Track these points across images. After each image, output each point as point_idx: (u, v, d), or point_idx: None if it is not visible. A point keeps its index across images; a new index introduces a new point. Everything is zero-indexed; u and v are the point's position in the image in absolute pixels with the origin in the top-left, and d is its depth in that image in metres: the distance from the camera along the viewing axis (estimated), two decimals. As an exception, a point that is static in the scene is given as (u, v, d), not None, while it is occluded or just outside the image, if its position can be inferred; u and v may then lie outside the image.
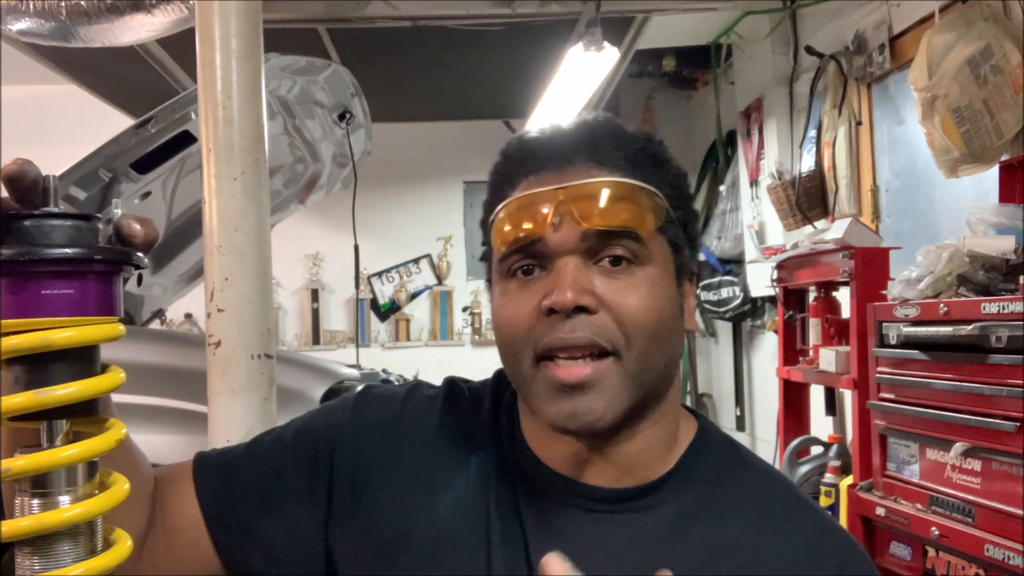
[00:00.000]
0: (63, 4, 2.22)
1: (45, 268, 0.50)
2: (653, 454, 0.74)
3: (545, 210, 0.68)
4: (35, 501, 0.51)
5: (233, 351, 1.54)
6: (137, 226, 0.54)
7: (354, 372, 2.61)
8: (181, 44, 2.71)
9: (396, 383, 2.77)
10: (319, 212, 4.64)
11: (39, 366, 0.51)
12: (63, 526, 0.51)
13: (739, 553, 0.70)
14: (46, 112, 4.90)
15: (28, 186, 0.50)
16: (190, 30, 1.66)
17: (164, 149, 2.41)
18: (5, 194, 0.51)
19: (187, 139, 2.41)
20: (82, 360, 0.53)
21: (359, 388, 0.85)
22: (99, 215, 0.53)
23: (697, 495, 0.73)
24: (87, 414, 0.54)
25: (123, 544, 0.55)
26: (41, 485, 0.51)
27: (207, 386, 1.55)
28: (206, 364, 1.56)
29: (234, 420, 1.52)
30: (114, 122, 3.42)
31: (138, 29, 2.34)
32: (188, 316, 5.15)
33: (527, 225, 0.69)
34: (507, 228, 0.70)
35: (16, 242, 0.50)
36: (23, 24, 2.29)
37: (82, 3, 2.22)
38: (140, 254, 0.54)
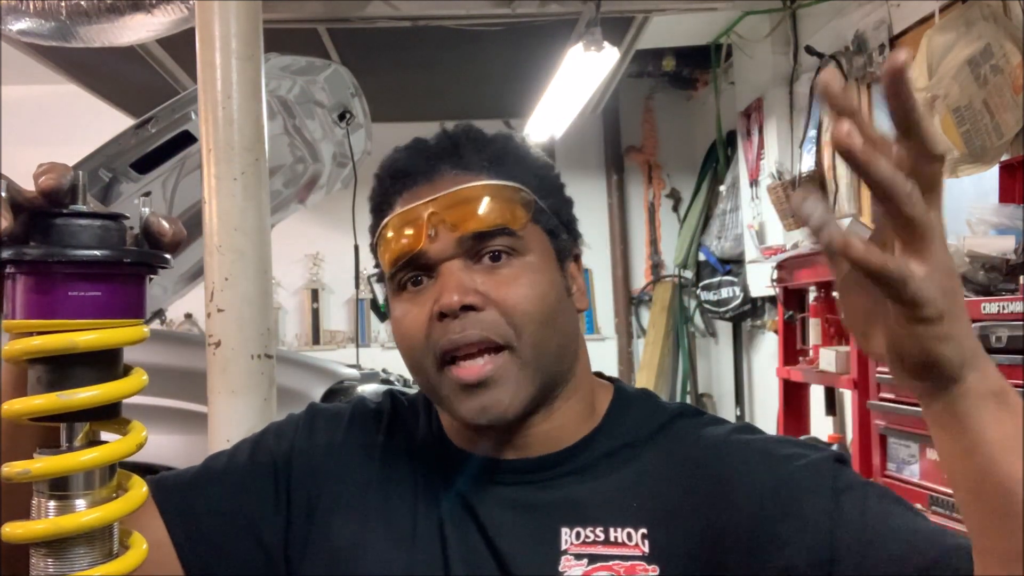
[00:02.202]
0: (63, 4, 2.22)
1: (73, 270, 0.50)
2: (571, 426, 0.77)
3: (420, 223, 0.72)
4: (52, 503, 0.51)
5: (233, 351, 1.54)
6: (166, 225, 0.54)
7: (354, 372, 2.61)
8: (181, 44, 2.71)
9: (396, 383, 2.77)
10: (319, 212, 4.63)
11: (62, 367, 0.51)
12: (80, 531, 0.50)
13: (679, 478, 0.74)
14: (46, 112, 4.90)
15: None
16: (190, 30, 1.66)
17: (164, 149, 2.41)
18: (32, 189, 0.50)
19: (187, 139, 2.41)
20: (105, 362, 0.52)
21: (307, 406, 0.88)
22: (126, 214, 0.53)
23: (623, 442, 0.77)
24: (108, 417, 0.53)
25: (139, 548, 0.54)
26: (59, 487, 0.51)
27: (207, 386, 1.55)
28: (206, 364, 1.56)
29: (234, 420, 1.53)
30: (114, 122, 3.42)
31: (138, 29, 2.34)
32: (188, 316, 5.15)
33: (406, 240, 0.73)
34: (390, 246, 0.74)
35: (44, 241, 0.50)
36: (23, 24, 2.29)
37: (82, 3, 2.22)
38: (167, 255, 0.54)
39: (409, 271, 0.74)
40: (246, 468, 0.80)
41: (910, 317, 0.49)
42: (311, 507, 0.78)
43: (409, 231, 0.73)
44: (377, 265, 0.80)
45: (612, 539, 0.71)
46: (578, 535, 0.72)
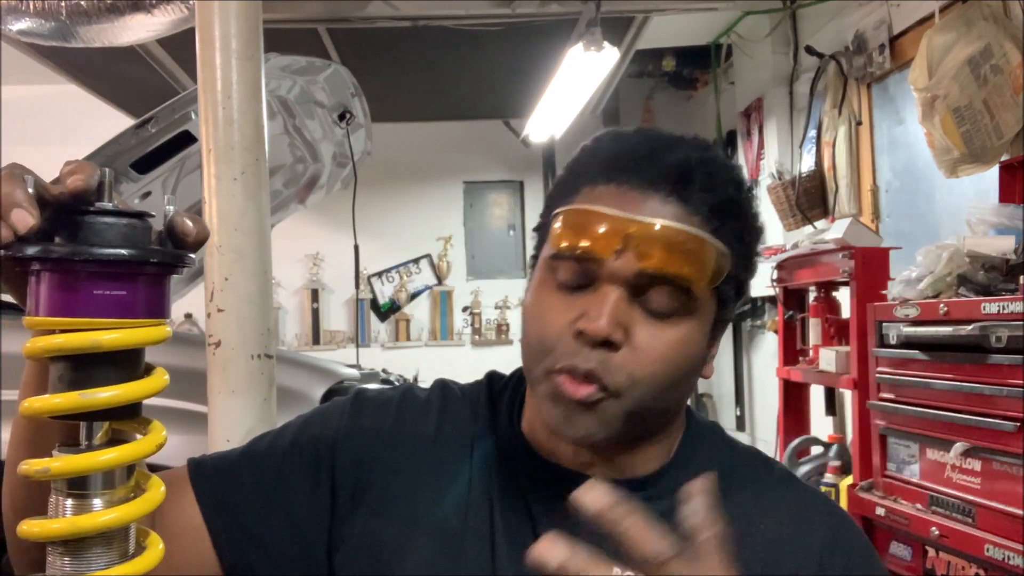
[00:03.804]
0: (63, 4, 2.22)
1: (99, 268, 0.49)
2: (652, 460, 0.76)
3: (614, 234, 0.68)
4: (69, 502, 0.50)
5: (233, 351, 1.54)
6: (190, 224, 0.53)
7: (354, 372, 2.61)
8: (181, 44, 2.71)
9: (396, 383, 2.77)
10: (319, 212, 4.64)
11: (84, 366, 0.50)
12: (97, 531, 0.50)
13: (737, 527, 0.72)
14: (46, 112, 4.90)
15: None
16: (190, 30, 1.66)
17: (164, 149, 2.41)
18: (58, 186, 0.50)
19: (187, 139, 2.41)
20: (127, 362, 0.52)
21: (353, 391, 0.85)
22: (151, 213, 0.52)
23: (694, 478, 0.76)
24: (129, 417, 0.53)
25: (155, 548, 0.54)
26: (77, 486, 0.50)
27: (207, 386, 1.55)
28: (206, 364, 1.56)
29: (234, 420, 1.53)
30: (114, 122, 3.42)
31: (138, 29, 2.35)
32: (188, 316, 5.15)
33: (590, 240, 0.68)
34: (569, 232, 0.70)
35: (70, 238, 0.49)
36: (23, 24, 2.29)
37: (82, 3, 2.22)
38: (191, 255, 0.53)
39: (572, 265, 0.70)
40: (287, 454, 0.78)
41: None
42: (357, 497, 0.76)
43: (597, 233, 0.68)
44: (539, 227, 0.77)
45: None
46: None
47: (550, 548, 0.49)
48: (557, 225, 0.71)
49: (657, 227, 0.67)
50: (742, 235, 0.72)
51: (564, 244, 0.69)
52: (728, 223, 0.71)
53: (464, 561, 0.72)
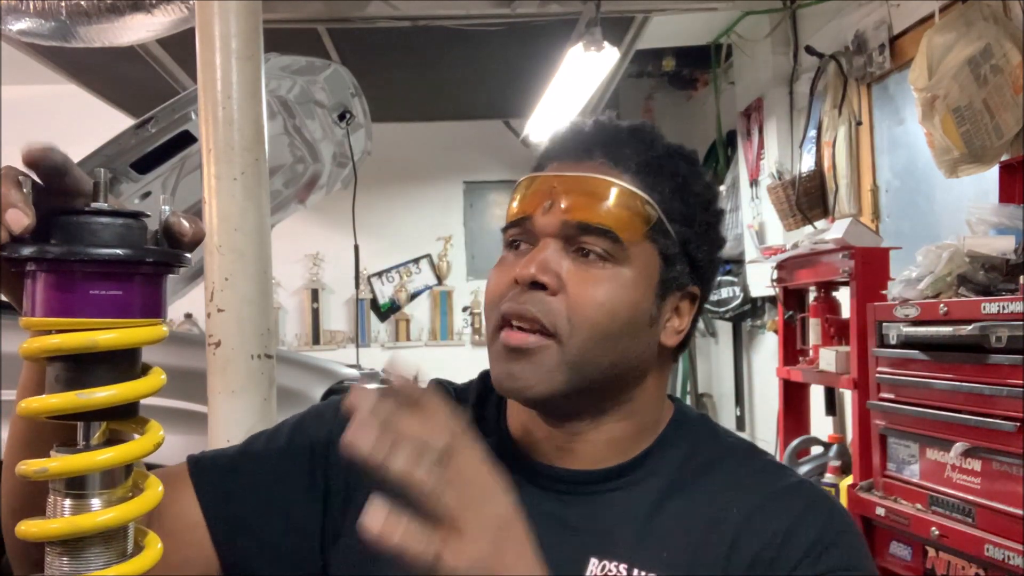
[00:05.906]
0: (63, 4, 2.22)
1: (95, 268, 0.49)
2: (625, 443, 0.77)
3: (541, 193, 0.74)
4: (67, 502, 0.50)
5: (233, 351, 1.54)
6: (187, 224, 0.53)
7: (354, 372, 2.61)
8: (181, 44, 2.71)
9: (396, 383, 2.77)
10: (319, 212, 4.63)
11: (81, 366, 0.50)
12: (95, 531, 0.50)
13: (713, 521, 0.73)
14: (46, 112, 4.90)
15: (69, 178, 0.50)
16: (190, 30, 1.66)
17: (164, 149, 2.41)
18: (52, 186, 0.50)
19: (187, 139, 2.41)
20: (124, 362, 0.52)
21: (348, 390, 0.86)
22: (147, 212, 0.52)
23: (673, 471, 0.76)
24: (126, 417, 0.53)
25: (154, 547, 0.54)
26: (75, 486, 0.51)
27: (207, 386, 1.55)
28: (206, 364, 1.56)
29: (234, 420, 1.53)
30: (114, 122, 3.42)
31: (138, 29, 2.34)
32: (188, 316, 5.15)
33: (524, 203, 0.75)
34: (512, 204, 0.77)
35: (65, 239, 0.49)
36: (23, 24, 2.29)
37: (82, 3, 2.22)
38: (187, 255, 0.54)
39: (517, 233, 0.75)
40: (283, 454, 0.79)
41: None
42: (348, 496, 0.77)
43: (530, 197, 0.74)
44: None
45: None
46: (603, 568, 0.71)
47: (373, 516, 0.51)
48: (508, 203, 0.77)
49: (574, 175, 0.73)
50: (677, 192, 0.75)
51: (509, 214, 0.76)
52: (656, 178, 0.75)
53: None
